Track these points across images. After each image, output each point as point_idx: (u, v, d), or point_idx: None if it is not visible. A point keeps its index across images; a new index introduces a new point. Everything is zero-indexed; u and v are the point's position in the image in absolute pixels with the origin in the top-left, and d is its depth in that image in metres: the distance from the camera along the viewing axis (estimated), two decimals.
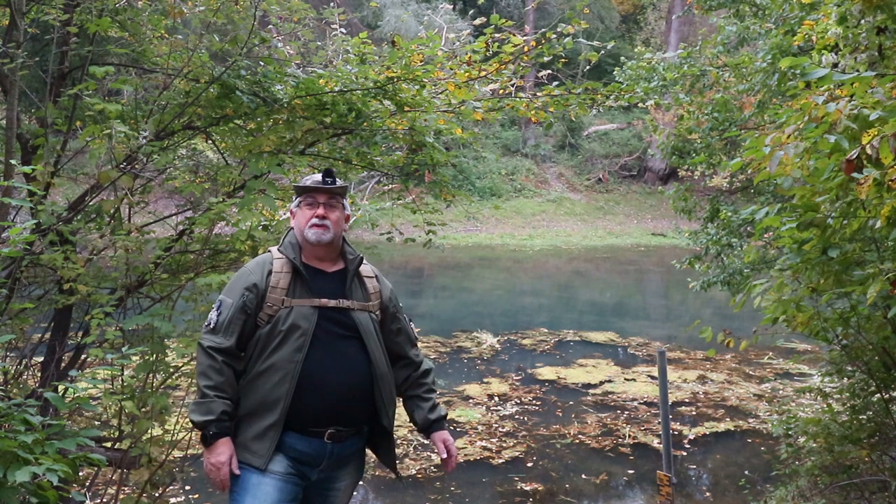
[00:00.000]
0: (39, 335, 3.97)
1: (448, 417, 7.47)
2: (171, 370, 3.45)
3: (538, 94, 4.66)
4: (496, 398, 7.86)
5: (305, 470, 2.52)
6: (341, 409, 2.53)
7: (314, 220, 2.59)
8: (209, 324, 2.52)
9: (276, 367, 2.46)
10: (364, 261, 2.75)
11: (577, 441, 6.71)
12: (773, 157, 2.62)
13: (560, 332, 11.00)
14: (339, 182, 2.67)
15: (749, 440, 6.84)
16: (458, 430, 6.87)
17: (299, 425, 2.49)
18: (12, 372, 3.55)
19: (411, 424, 2.81)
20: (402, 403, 2.79)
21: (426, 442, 6.50)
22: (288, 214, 3.03)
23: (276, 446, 2.46)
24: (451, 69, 4.23)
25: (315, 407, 2.49)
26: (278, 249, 2.64)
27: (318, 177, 2.66)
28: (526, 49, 4.32)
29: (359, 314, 2.61)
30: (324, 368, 2.50)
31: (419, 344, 2.92)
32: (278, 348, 2.48)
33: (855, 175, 2.47)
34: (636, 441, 6.70)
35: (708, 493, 5.84)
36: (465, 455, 6.29)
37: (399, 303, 2.82)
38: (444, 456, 2.69)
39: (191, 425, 2.53)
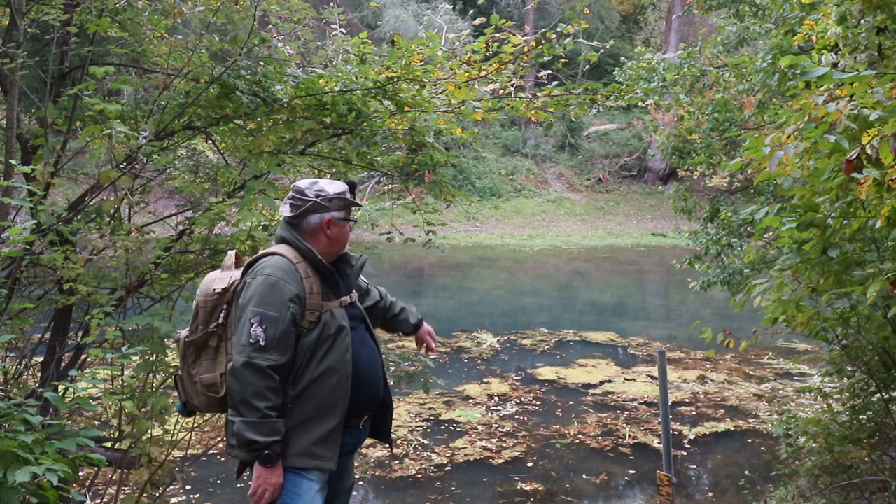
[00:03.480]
0: (39, 335, 3.97)
1: (448, 417, 7.44)
2: (171, 370, 3.45)
3: (538, 94, 4.65)
4: (496, 398, 7.86)
5: (340, 460, 2.59)
6: (377, 396, 2.67)
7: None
8: (256, 341, 2.38)
9: (332, 370, 2.50)
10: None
11: (577, 441, 6.71)
12: (773, 157, 2.62)
13: (560, 332, 11.00)
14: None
15: (749, 440, 6.84)
16: (457, 430, 6.87)
17: (348, 420, 2.58)
18: (12, 372, 3.55)
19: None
20: (385, 330, 3.06)
21: (426, 442, 6.51)
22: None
23: None
24: (451, 69, 4.23)
25: (363, 400, 2.61)
26: (319, 258, 2.57)
27: (346, 188, 2.68)
28: (526, 49, 4.31)
29: (359, 304, 2.74)
30: (363, 363, 2.61)
31: None
32: (329, 352, 2.51)
33: (855, 175, 2.47)
34: (636, 441, 6.70)
35: (708, 493, 5.84)
36: (465, 455, 6.29)
37: None
38: (433, 344, 3.02)
39: (245, 444, 2.39)
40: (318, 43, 4.79)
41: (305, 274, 2.55)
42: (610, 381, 8.53)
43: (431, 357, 3.03)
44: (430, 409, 7.37)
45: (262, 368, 2.37)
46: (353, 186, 2.68)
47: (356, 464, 2.88)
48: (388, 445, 2.95)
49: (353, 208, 2.71)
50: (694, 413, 7.54)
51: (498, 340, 10.29)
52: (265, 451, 2.39)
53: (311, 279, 2.55)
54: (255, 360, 2.37)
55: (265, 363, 2.37)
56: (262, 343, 2.38)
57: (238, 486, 5.38)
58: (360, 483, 5.63)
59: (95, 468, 3.22)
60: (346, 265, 2.72)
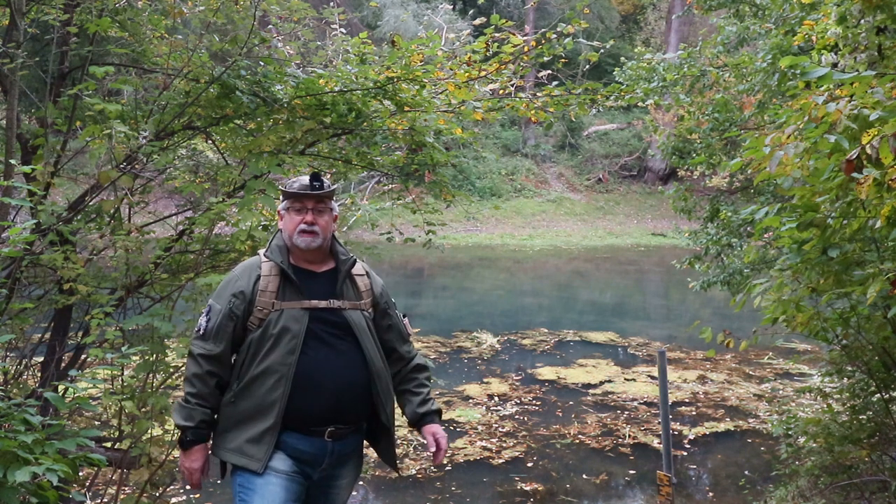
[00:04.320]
0: (39, 335, 3.96)
1: (448, 417, 7.43)
2: (171, 370, 3.45)
3: (538, 94, 4.65)
4: (496, 398, 7.86)
5: (307, 470, 2.53)
6: (340, 408, 2.53)
7: (302, 227, 2.58)
8: (199, 329, 2.53)
9: (270, 371, 2.47)
10: (356, 262, 2.74)
11: (577, 441, 6.71)
12: (773, 157, 2.62)
13: (560, 332, 11.00)
14: (327, 185, 2.63)
15: (749, 440, 6.84)
16: (457, 430, 6.87)
17: (299, 425, 2.49)
18: (12, 372, 3.55)
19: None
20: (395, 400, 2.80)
21: (426, 441, 6.50)
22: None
23: (278, 447, 2.47)
24: (451, 69, 4.23)
25: (313, 407, 2.49)
26: (265, 254, 2.63)
27: (306, 180, 2.62)
28: (526, 49, 4.31)
29: (351, 313, 2.60)
30: (318, 369, 2.50)
31: (418, 343, 2.94)
32: (271, 352, 2.48)
33: (855, 175, 2.47)
34: (636, 441, 6.70)
35: (708, 493, 5.84)
36: (465, 455, 6.29)
37: (391, 299, 2.82)
38: (433, 449, 2.71)
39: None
40: (318, 43, 4.79)
41: (268, 272, 2.56)
42: (610, 381, 8.54)
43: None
44: None
45: (195, 355, 2.51)
46: (312, 176, 2.61)
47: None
48: (394, 471, 2.86)
49: (313, 193, 2.60)
50: (694, 413, 7.54)
51: (498, 340, 10.29)
52: (183, 435, 2.49)
53: (270, 277, 2.55)
54: (192, 346, 2.52)
55: (197, 350, 2.51)
56: (202, 332, 2.52)
57: None
58: (360, 483, 5.63)
59: (95, 468, 3.22)
60: (337, 267, 2.68)
